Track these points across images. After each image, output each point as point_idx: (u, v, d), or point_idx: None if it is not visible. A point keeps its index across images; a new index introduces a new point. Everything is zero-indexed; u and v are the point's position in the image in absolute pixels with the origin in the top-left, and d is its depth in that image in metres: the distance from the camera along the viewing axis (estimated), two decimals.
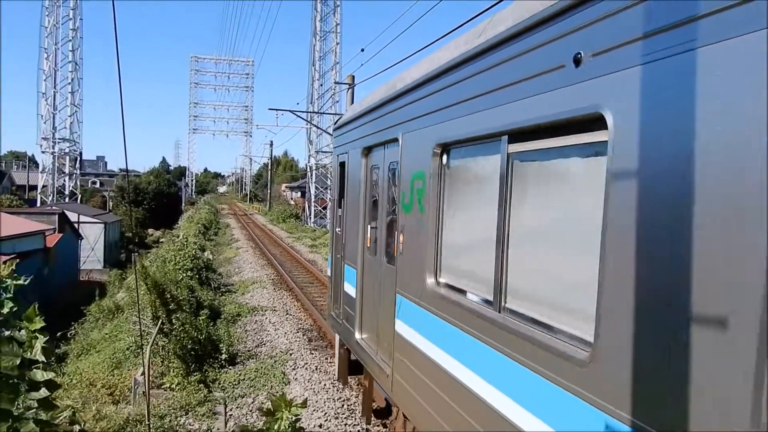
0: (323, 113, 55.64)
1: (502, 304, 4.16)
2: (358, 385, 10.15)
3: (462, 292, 4.97)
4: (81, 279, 40.63)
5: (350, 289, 8.60)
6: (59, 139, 65.86)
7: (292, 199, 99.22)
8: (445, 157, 5.37)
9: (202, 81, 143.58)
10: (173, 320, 12.19)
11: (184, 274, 19.37)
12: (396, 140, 6.51)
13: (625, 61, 2.86)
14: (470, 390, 4.49)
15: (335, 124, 10.79)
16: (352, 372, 9.42)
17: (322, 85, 66.08)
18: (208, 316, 14.31)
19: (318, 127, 52.92)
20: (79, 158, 71.56)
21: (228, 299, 19.49)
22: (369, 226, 7.84)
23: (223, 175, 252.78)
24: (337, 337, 9.95)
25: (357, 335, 8.10)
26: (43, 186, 64.98)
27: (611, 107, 2.96)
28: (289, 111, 37.69)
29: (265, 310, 17.11)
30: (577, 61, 3.26)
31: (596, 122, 3.08)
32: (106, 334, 17.09)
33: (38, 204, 60.61)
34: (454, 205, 5.31)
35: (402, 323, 6.22)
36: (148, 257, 28.58)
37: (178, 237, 32.76)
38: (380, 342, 7.16)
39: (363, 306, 8.02)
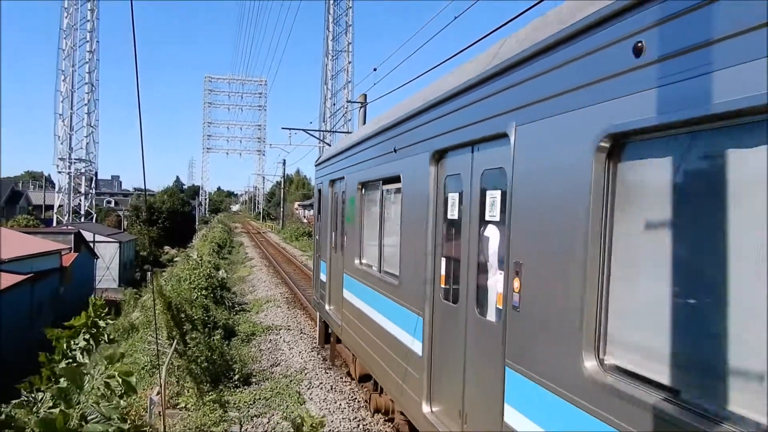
0: (336, 132, 55.91)
1: (382, 268, 7.82)
2: (367, 401, 10.09)
3: (370, 266, 8.56)
4: (96, 298, 40.85)
5: (323, 276, 12.24)
6: (75, 159, 66.69)
7: (305, 217, 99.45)
8: (363, 189, 8.98)
9: (215, 101, 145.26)
10: (188, 340, 12.19)
11: (199, 293, 19.41)
12: (343, 178, 10.14)
13: (406, 153, 6.53)
14: (370, 318, 8.10)
15: (316, 161, 14.22)
16: (326, 341, 13.29)
17: (334, 104, 66.54)
18: (222, 336, 14.31)
19: (330, 146, 53.10)
20: (94, 178, 72.39)
21: (242, 318, 19.49)
22: (333, 233, 11.27)
23: (237, 194, 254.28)
24: (318, 314, 13.77)
25: (326, 307, 11.73)
26: (59, 206, 65.74)
27: (402, 173, 6.67)
28: (302, 130, 37.94)
29: (280, 329, 17.08)
30: (395, 151, 6.93)
31: (397, 178, 6.84)
32: (121, 353, 17.13)
33: (54, 223, 61.27)
34: (366, 218, 8.93)
35: (346, 291, 9.80)
36: (162, 276, 28.69)
37: (192, 256, 32.87)
38: (337, 307, 10.68)
39: (330, 286, 11.52)
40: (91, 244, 43.62)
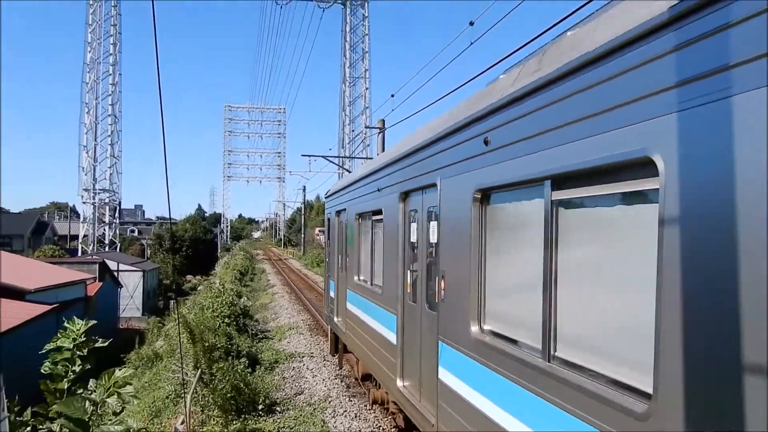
0: (355, 157, 56.16)
1: (372, 281, 9.53)
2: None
3: (365, 281, 10.18)
4: (120, 326, 41.16)
5: (332, 293, 14.10)
6: (99, 189, 67.72)
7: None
8: (359, 219, 10.78)
9: (235, 129, 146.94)
10: (213, 368, 12.19)
11: (222, 321, 19.45)
12: (346, 209, 12.10)
13: (386, 193, 8.38)
14: (365, 322, 9.86)
15: (326, 194, 15.92)
16: (337, 349, 14.68)
17: (353, 130, 66.98)
18: (246, 365, 14.30)
19: (350, 172, 53.23)
20: (118, 208, 73.32)
21: (265, 346, 19.47)
22: (339, 255, 13.09)
23: (258, 221, 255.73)
24: (329, 327, 15.37)
25: (335, 319, 13.53)
26: (84, 235, 66.68)
27: (383, 207, 8.50)
28: (322, 156, 38.03)
29: (303, 357, 17.02)
30: (379, 190, 8.73)
31: (380, 211, 8.70)
32: (146, 382, 17.16)
33: (79, 253, 62.08)
34: (362, 242, 10.62)
35: (349, 303, 11.47)
36: (185, 304, 28.83)
37: (215, 284, 33.01)
38: (343, 318, 12.41)
39: (337, 301, 13.28)
40: (116, 273, 44.10)
